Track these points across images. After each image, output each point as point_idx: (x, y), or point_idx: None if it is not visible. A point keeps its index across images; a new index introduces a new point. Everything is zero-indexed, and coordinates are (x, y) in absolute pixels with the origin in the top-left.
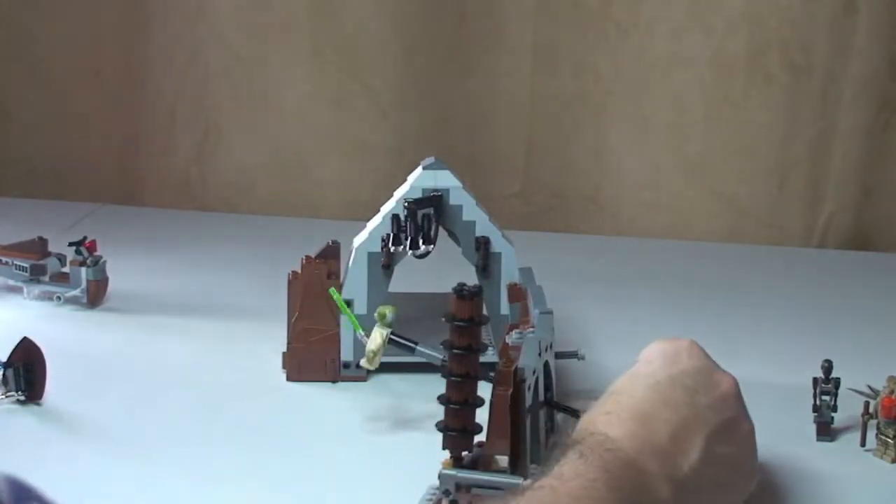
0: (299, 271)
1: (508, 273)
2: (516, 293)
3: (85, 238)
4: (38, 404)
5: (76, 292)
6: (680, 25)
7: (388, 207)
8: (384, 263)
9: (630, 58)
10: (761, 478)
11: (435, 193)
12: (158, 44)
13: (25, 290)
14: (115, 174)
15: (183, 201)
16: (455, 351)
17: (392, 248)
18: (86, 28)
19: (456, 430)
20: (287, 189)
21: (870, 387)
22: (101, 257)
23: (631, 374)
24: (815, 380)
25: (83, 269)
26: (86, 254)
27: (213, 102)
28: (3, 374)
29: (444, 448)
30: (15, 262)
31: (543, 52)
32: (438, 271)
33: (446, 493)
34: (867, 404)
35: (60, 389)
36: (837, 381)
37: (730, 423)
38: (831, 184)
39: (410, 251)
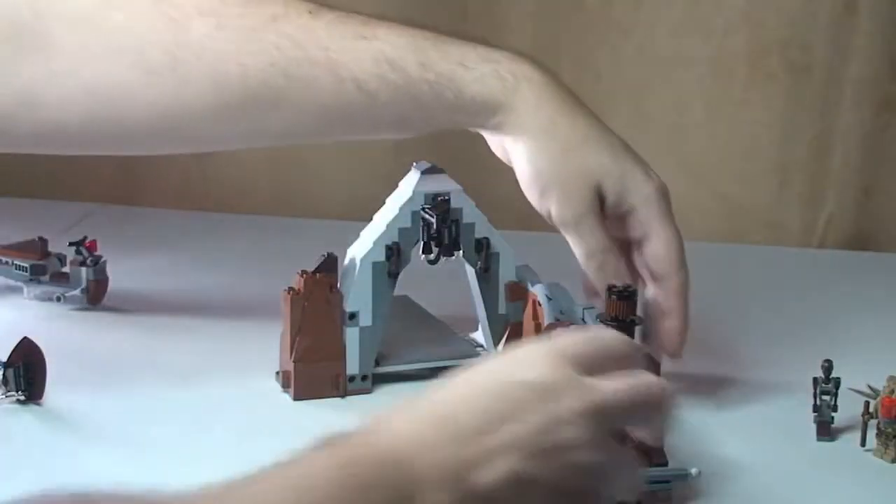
0: (295, 287)
1: (507, 273)
2: (516, 291)
3: (85, 238)
4: (39, 404)
5: (76, 292)
6: (680, 25)
7: (385, 216)
8: (392, 271)
9: (630, 58)
10: (762, 478)
11: (444, 198)
12: None
13: (25, 290)
14: (115, 174)
15: (183, 201)
16: None
17: (423, 257)
18: None
19: None
20: (287, 189)
21: (870, 387)
22: (101, 257)
23: None
24: (815, 380)
25: (83, 269)
26: (86, 254)
27: None
28: (3, 374)
29: None
30: (15, 262)
31: (543, 52)
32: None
33: None
34: (867, 404)
35: (60, 389)
36: (837, 381)
37: None
38: (831, 184)
39: (444, 257)
